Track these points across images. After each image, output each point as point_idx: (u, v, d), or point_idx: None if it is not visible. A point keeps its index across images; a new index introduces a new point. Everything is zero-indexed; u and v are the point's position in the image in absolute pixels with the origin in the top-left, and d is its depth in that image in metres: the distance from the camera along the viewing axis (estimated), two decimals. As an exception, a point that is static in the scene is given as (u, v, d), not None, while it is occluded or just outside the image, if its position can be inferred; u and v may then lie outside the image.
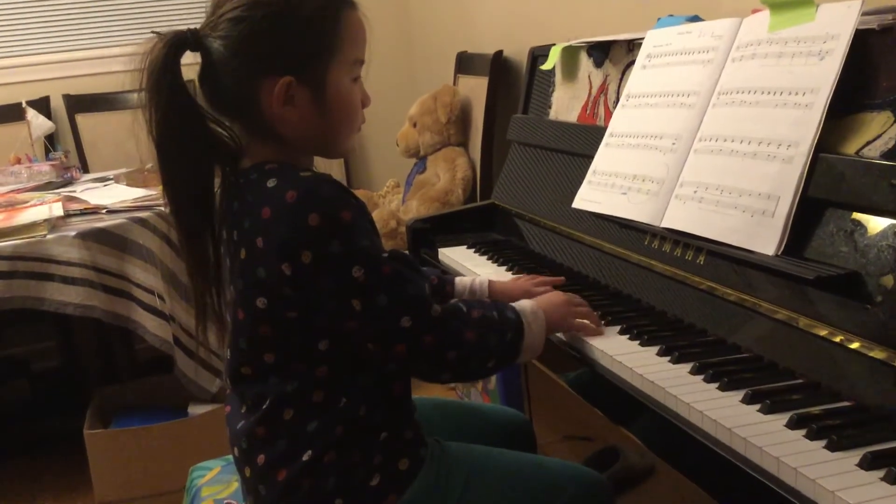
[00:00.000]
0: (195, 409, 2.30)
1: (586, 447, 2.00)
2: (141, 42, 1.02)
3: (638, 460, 1.81)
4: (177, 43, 1.01)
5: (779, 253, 1.07)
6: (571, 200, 1.52)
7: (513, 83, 2.66)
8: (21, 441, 2.68)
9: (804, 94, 1.10)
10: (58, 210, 2.19)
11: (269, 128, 1.04)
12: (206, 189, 1.06)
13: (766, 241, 1.09)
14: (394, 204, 3.00)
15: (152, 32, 1.02)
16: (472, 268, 1.62)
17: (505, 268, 1.60)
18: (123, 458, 2.18)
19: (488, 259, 1.67)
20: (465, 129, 2.84)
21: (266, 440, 1.05)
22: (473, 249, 1.75)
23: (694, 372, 1.05)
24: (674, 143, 1.32)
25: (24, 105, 2.85)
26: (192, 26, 1.04)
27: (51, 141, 2.99)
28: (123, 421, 2.32)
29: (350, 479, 1.03)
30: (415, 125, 2.85)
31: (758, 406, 0.95)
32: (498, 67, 2.66)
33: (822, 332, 0.99)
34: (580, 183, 1.52)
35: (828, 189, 1.05)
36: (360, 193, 3.08)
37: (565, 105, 1.75)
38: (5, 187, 2.63)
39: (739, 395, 0.98)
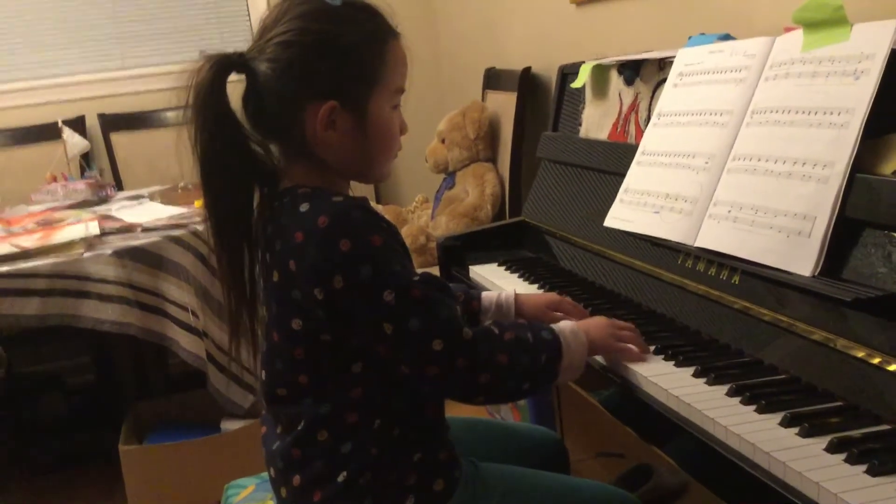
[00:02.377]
0: (228, 425, 2.32)
1: (619, 464, 1.99)
2: (188, 62, 1.04)
3: (671, 478, 1.80)
4: (224, 65, 1.04)
5: (815, 274, 1.06)
6: (602, 218, 1.52)
7: (541, 99, 2.67)
8: (57, 456, 2.71)
9: (840, 113, 1.10)
10: (94, 228, 2.23)
11: (309, 151, 1.05)
12: (247, 208, 1.08)
13: (802, 261, 1.08)
14: (423, 219, 3.01)
15: (200, 53, 1.05)
16: (502, 286, 1.62)
17: (536, 286, 1.60)
18: (158, 474, 2.20)
19: (519, 277, 1.67)
20: (494, 144, 2.84)
21: (301, 461, 1.06)
22: (504, 267, 1.75)
23: (731, 394, 1.04)
24: (707, 162, 1.31)
25: (60, 124, 2.90)
26: (236, 50, 1.07)
27: (86, 159, 3.04)
28: (157, 436, 2.35)
29: (385, 500, 1.04)
30: (443, 141, 2.86)
31: (796, 429, 0.94)
32: (526, 83, 2.66)
33: (860, 354, 0.99)
34: (611, 201, 1.52)
35: (865, 209, 1.04)
36: (389, 209, 3.10)
37: (595, 123, 1.76)
38: (42, 205, 2.67)
39: (777, 417, 0.97)
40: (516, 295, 1.35)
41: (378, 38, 1.05)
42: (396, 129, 1.09)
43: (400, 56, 1.07)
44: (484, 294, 1.36)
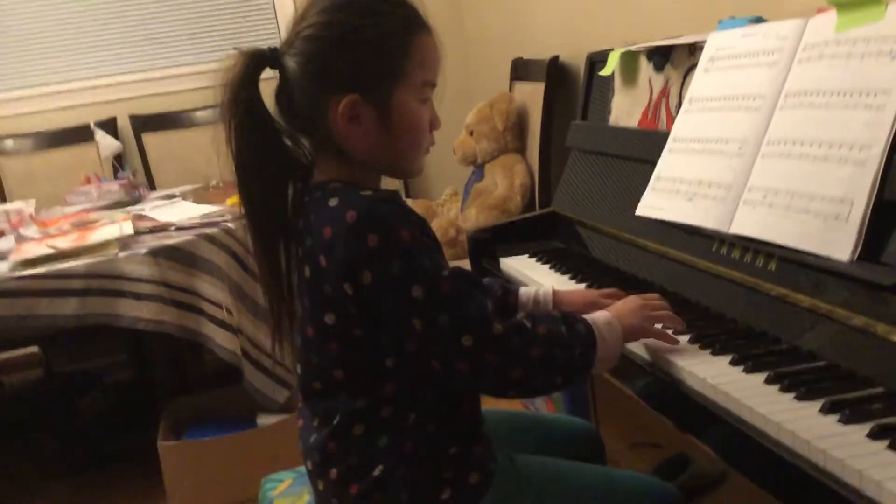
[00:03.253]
0: (264, 420, 2.34)
1: (655, 454, 1.97)
2: (218, 61, 1.05)
3: (709, 467, 1.78)
4: (256, 60, 1.05)
5: (854, 258, 1.05)
6: (634, 207, 1.51)
7: (569, 88, 2.65)
8: (97, 454, 2.75)
9: (876, 95, 1.07)
10: (128, 228, 2.26)
11: (337, 145, 1.06)
12: (282, 203, 1.08)
13: (840, 246, 1.06)
14: (452, 212, 3.01)
15: (234, 49, 1.06)
16: (534, 277, 1.62)
17: (568, 276, 1.59)
18: (196, 469, 2.23)
19: (551, 268, 1.67)
20: (522, 135, 2.83)
21: (338, 455, 1.06)
22: (535, 258, 1.74)
23: (769, 382, 1.03)
24: (740, 148, 1.30)
25: (92, 126, 2.94)
26: (270, 46, 1.08)
27: (119, 160, 3.08)
28: (195, 432, 2.37)
29: (421, 493, 1.04)
30: (471, 133, 2.85)
31: (837, 416, 0.92)
32: (554, 73, 2.65)
33: (902, 339, 0.97)
34: (642, 189, 1.51)
35: (904, 192, 1.02)
36: (418, 203, 3.10)
37: (625, 110, 1.74)
38: (77, 207, 2.71)
39: (817, 405, 0.95)
40: (554, 291, 1.33)
41: (402, 30, 1.04)
42: (425, 123, 1.08)
43: (428, 50, 1.06)
44: (522, 289, 1.34)
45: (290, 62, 1.04)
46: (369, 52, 1.03)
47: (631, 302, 1.17)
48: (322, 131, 1.05)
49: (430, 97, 1.09)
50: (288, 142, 1.08)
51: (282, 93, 1.06)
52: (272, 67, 1.06)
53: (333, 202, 1.02)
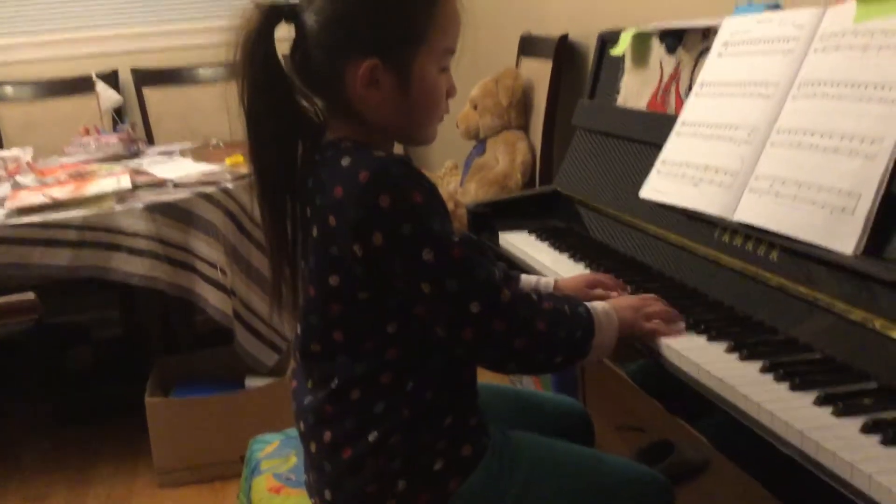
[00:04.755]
0: (252, 382, 2.34)
1: (639, 438, 1.98)
2: (236, 12, 1.03)
3: (693, 454, 1.79)
4: (273, 14, 1.02)
5: (858, 252, 1.04)
6: (637, 190, 1.50)
7: (577, 68, 2.62)
8: (83, 407, 2.75)
9: (891, 88, 1.06)
10: (126, 182, 2.24)
11: (352, 108, 1.04)
12: (292, 161, 1.07)
13: (844, 239, 1.06)
14: (452, 186, 2.99)
15: (251, 0, 1.03)
16: (532, 253, 1.61)
17: (566, 255, 1.58)
18: (183, 427, 2.24)
19: (549, 245, 1.66)
20: (527, 113, 2.81)
21: (333, 418, 1.06)
22: (534, 236, 1.73)
23: (764, 370, 1.03)
24: (749, 135, 1.29)
25: (93, 77, 2.91)
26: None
27: (119, 114, 3.05)
28: (183, 391, 2.37)
29: (414, 461, 1.04)
30: (475, 107, 2.83)
31: (830, 409, 0.92)
32: (563, 51, 2.62)
33: (900, 336, 0.97)
34: (647, 173, 1.50)
35: (913, 188, 1.01)
36: (418, 174, 3.08)
37: (634, 91, 1.73)
38: (75, 157, 2.69)
39: (811, 396, 0.95)
40: (556, 281, 1.33)
41: None
42: (442, 91, 1.07)
43: (451, 15, 1.05)
44: (523, 276, 1.34)
45: (310, 19, 1.02)
46: (394, 15, 1.01)
47: (629, 299, 1.18)
48: (337, 92, 1.04)
49: (448, 65, 1.07)
50: (300, 99, 1.06)
51: (296, 49, 1.04)
52: (288, 22, 1.04)
53: (346, 161, 1.01)
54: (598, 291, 1.28)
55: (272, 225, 1.08)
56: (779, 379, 1.00)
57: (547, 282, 1.33)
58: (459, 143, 2.99)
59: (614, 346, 1.11)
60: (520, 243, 1.70)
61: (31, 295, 1.25)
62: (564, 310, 1.06)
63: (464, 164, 2.97)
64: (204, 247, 2.17)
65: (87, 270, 2.08)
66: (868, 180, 1.05)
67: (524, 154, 2.72)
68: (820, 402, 0.94)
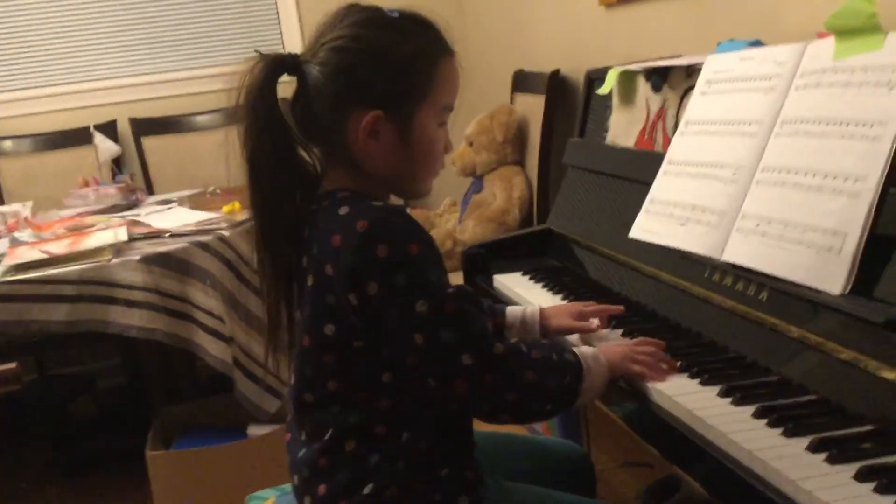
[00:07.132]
0: (254, 430, 2.32)
1: (647, 474, 1.96)
2: (241, 61, 1.04)
3: (699, 492, 1.77)
4: (277, 65, 1.04)
5: (845, 292, 1.03)
6: (629, 228, 1.49)
7: (570, 102, 2.63)
8: (88, 458, 2.74)
9: (872, 125, 1.06)
10: (122, 234, 2.24)
11: (351, 158, 1.05)
12: (291, 210, 1.07)
13: (832, 279, 1.05)
14: (450, 223, 2.99)
15: (255, 51, 1.05)
16: (526, 296, 1.60)
17: (560, 296, 1.57)
18: (184, 479, 2.22)
19: (543, 287, 1.65)
20: (522, 147, 2.82)
21: (328, 471, 1.05)
22: (528, 276, 1.73)
23: (757, 415, 1.01)
24: (735, 174, 1.28)
25: (91, 129, 2.93)
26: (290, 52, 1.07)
27: (118, 164, 3.07)
28: (185, 440, 2.36)
29: (409, 514, 1.03)
30: (471, 144, 2.84)
31: (824, 455, 0.91)
32: (555, 86, 2.63)
33: (891, 376, 0.95)
34: (638, 210, 1.49)
35: (898, 226, 1.00)
36: (417, 213, 3.09)
37: (622, 129, 1.73)
38: (73, 210, 2.70)
39: (805, 441, 0.94)
40: (541, 309, 1.33)
41: (431, 53, 1.05)
42: (441, 146, 1.08)
43: (452, 74, 1.07)
44: (509, 309, 1.34)
45: (314, 70, 1.03)
46: (399, 70, 1.03)
47: (619, 346, 1.18)
48: (338, 142, 1.05)
49: (447, 121, 1.08)
50: (300, 149, 1.07)
51: (298, 100, 1.05)
52: (291, 74, 1.05)
53: (344, 211, 1.02)
54: (584, 324, 1.29)
55: (272, 270, 1.08)
56: (772, 424, 0.99)
57: (533, 310, 1.34)
58: (457, 181, 3.00)
59: (604, 388, 1.11)
60: (514, 285, 1.69)
61: (12, 365, 1.24)
62: (552, 358, 1.06)
63: (462, 202, 2.97)
64: (201, 296, 2.16)
65: (85, 325, 2.07)
66: (853, 219, 1.04)
67: (521, 189, 2.72)
68: (813, 448, 0.93)
